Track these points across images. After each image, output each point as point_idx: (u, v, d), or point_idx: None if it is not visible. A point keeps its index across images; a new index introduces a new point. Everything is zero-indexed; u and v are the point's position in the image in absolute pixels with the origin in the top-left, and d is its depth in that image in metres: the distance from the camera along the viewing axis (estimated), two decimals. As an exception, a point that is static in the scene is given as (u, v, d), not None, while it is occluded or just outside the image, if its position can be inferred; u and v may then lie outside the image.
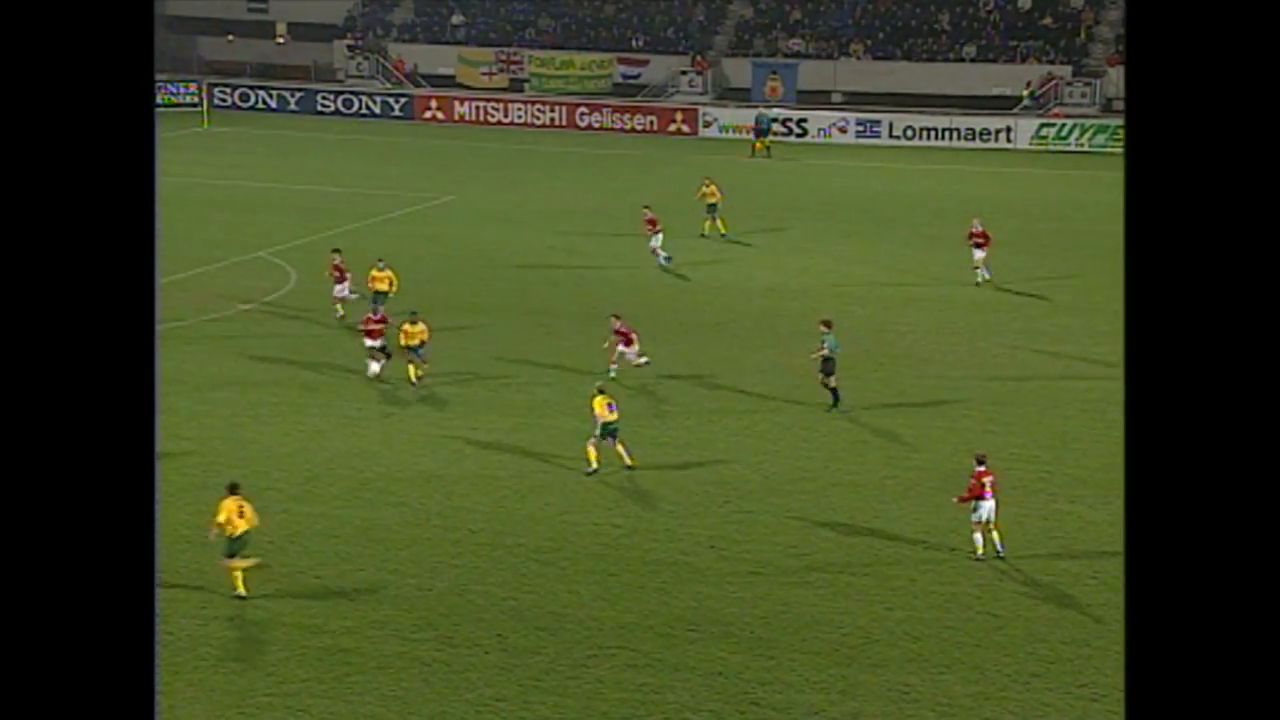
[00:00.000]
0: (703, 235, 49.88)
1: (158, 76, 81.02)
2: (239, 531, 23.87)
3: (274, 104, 77.44)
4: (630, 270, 45.95)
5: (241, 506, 24.04)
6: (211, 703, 20.77)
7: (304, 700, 20.88)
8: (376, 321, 34.67)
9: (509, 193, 57.15)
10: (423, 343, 34.46)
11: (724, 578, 24.82)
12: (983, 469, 25.58)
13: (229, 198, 56.41)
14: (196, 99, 73.91)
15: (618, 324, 34.45)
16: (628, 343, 34.30)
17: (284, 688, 21.20)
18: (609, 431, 29.16)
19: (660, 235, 45.86)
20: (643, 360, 34.42)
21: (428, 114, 76.40)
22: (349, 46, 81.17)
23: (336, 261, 39.43)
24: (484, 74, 79.73)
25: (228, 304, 41.08)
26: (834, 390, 32.88)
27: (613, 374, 34.15)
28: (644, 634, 22.80)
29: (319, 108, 77.24)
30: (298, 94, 77.79)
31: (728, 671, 21.74)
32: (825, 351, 32.83)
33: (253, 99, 77.60)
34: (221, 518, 23.93)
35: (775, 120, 70.84)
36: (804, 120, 72.44)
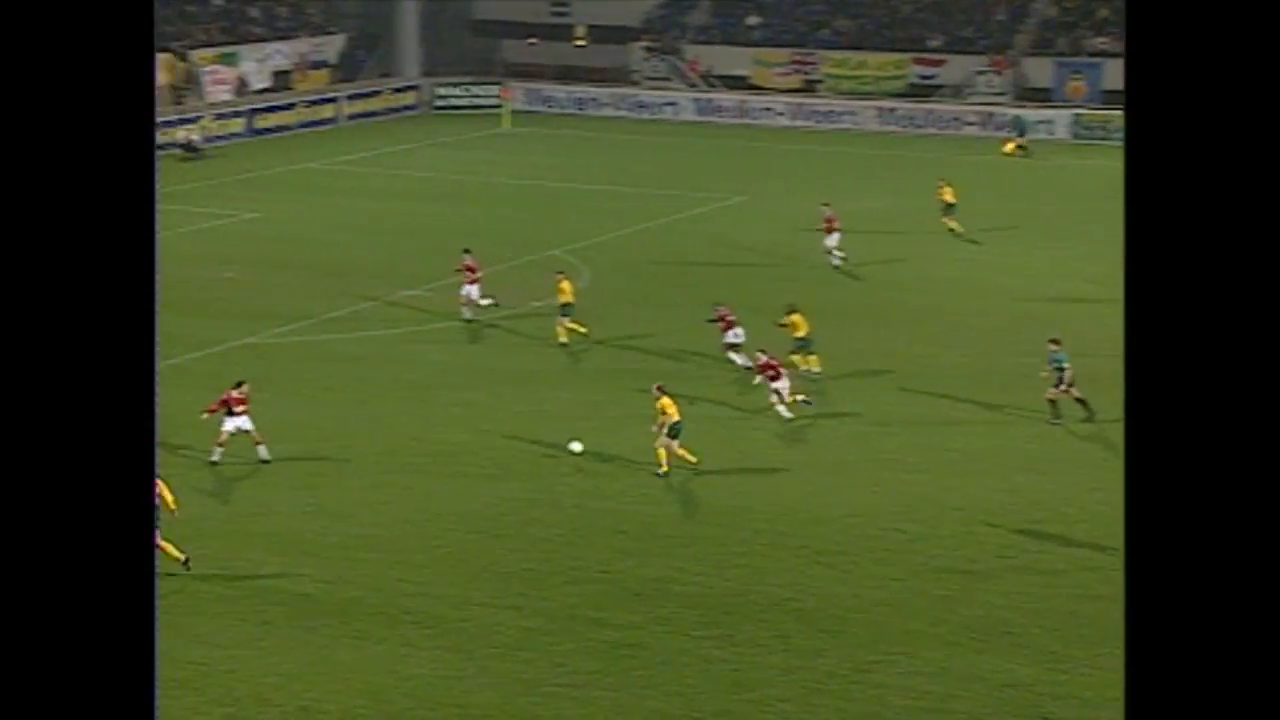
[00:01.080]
0: (951, 232, 49.40)
1: (462, 79, 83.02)
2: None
3: (571, 105, 78.83)
4: (922, 271, 45.37)
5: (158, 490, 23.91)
6: (502, 690, 21.22)
7: (591, 692, 21.18)
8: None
9: (800, 193, 57.02)
10: (807, 337, 34.40)
11: (1012, 587, 24.30)
12: None
13: (526, 197, 57.61)
14: (497, 101, 75.72)
15: (763, 358, 32.16)
16: (774, 377, 31.86)
17: (572, 679, 21.54)
18: (675, 432, 28.73)
19: (837, 234, 45.29)
20: (798, 399, 32.21)
21: (721, 115, 76.78)
22: (645, 48, 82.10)
23: (467, 261, 39.10)
24: (778, 75, 79.72)
25: (521, 301, 41.95)
26: (1081, 401, 31.95)
27: (788, 416, 31.78)
28: (929, 641, 22.48)
29: (615, 109, 78.35)
30: (595, 95, 79.03)
31: (1017, 683, 21.27)
32: (1057, 369, 31.99)
33: (552, 100, 79.14)
34: None
35: (1036, 122, 70.11)
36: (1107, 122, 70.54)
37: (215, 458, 29.26)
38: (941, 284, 44.11)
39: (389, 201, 56.26)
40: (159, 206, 6.52)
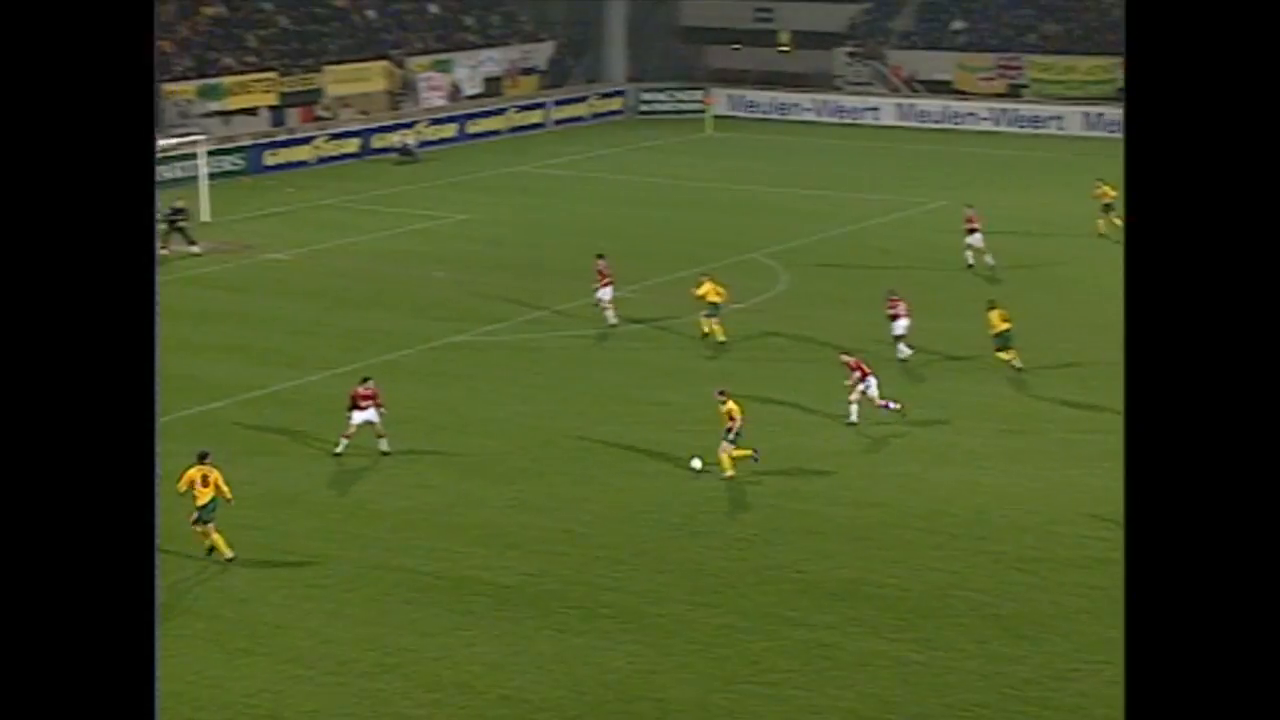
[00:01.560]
0: (1099, 235, 48.63)
1: (666, 85, 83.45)
2: (204, 500, 24.68)
3: (773, 110, 78.76)
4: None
5: (205, 474, 24.80)
6: (698, 685, 21.34)
7: (785, 690, 21.19)
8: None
9: (1001, 197, 56.20)
10: (1006, 332, 34.62)
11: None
12: None
13: (727, 200, 57.73)
14: (701, 106, 75.99)
15: (850, 359, 32.01)
16: (863, 377, 31.54)
17: (766, 677, 21.57)
18: (733, 437, 28.67)
19: (979, 235, 45.02)
20: (889, 405, 31.62)
21: (923, 120, 76.04)
22: (849, 54, 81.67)
23: (600, 266, 39.09)
24: (981, 80, 78.67)
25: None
26: None
27: (853, 419, 31.51)
28: (1129, 651, 22.02)
29: (816, 114, 78.08)
30: (797, 101, 78.88)
31: (1217, 696, 20.75)
32: None
33: (754, 105, 79.17)
34: (182, 485, 24.60)
35: None
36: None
37: (339, 450, 29.72)
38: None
39: (594, 204, 56.84)
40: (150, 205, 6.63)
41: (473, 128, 71.36)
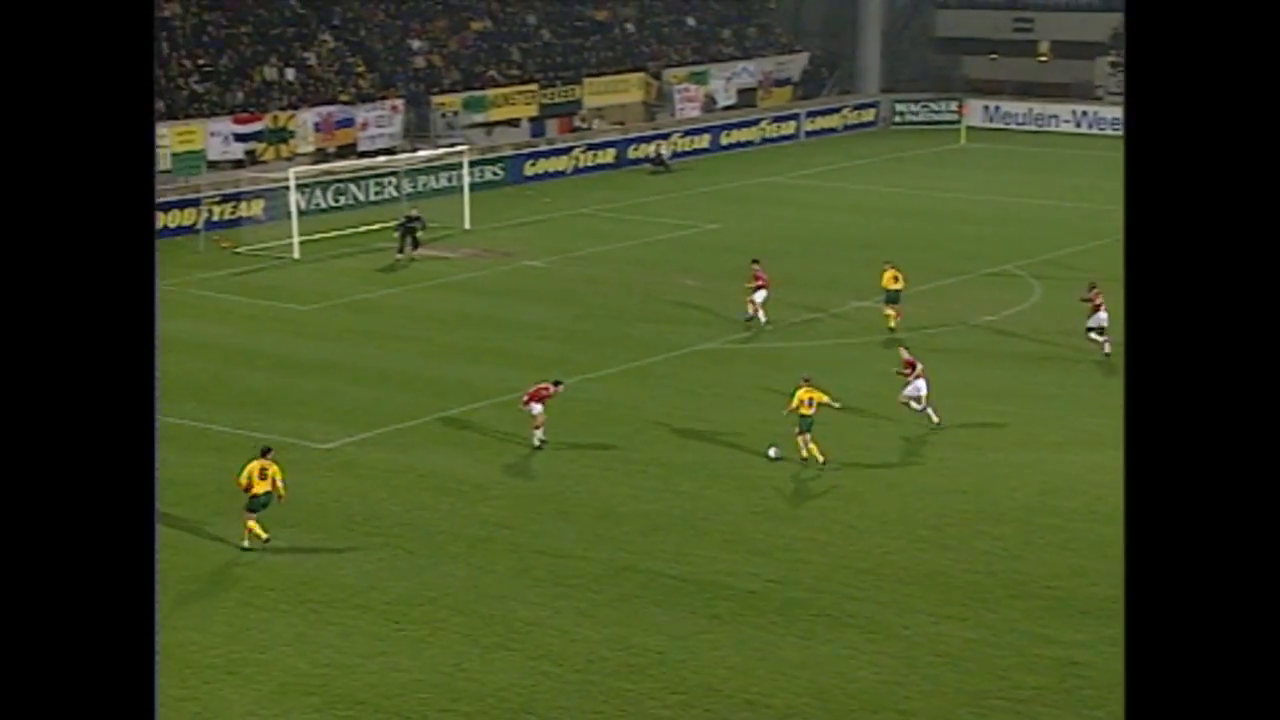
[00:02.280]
0: None
1: (920, 96, 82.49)
2: (259, 491, 25.79)
3: (1030, 121, 77.20)
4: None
5: (264, 468, 25.91)
6: (944, 699, 20.95)
7: (1035, 708, 20.68)
8: None
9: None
10: None
11: None
12: None
13: (981, 212, 56.73)
14: (955, 116, 74.89)
15: (906, 354, 32.75)
16: (914, 374, 32.07)
17: (1016, 694, 21.08)
18: (806, 426, 29.41)
19: None
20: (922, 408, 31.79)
21: (1186, 131, 73.82)
22: (1111, 63, 79.59)
23: (756, 270, 40.19)
24: (1248, 90, 76.00)
25: (972, 315, 41.33)
26: None
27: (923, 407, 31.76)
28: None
29: (1074, 125, 76.27)
30: (1054, 112, 77.17)
31: None
32: None
33: (1009, 116, 77.71)
34: (243, 478, 25.86)
35: None
36: None
37: (536, 442, 30.66)
38: None
39: (845, 215, 56.43)
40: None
41: (726, 138, 71.53)
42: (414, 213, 49.44)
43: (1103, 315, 36.19)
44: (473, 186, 56.22)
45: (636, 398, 33.35)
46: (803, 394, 29.67)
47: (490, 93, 67.06)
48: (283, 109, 59.85)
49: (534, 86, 68.59)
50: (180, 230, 51.59)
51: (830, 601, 23.93)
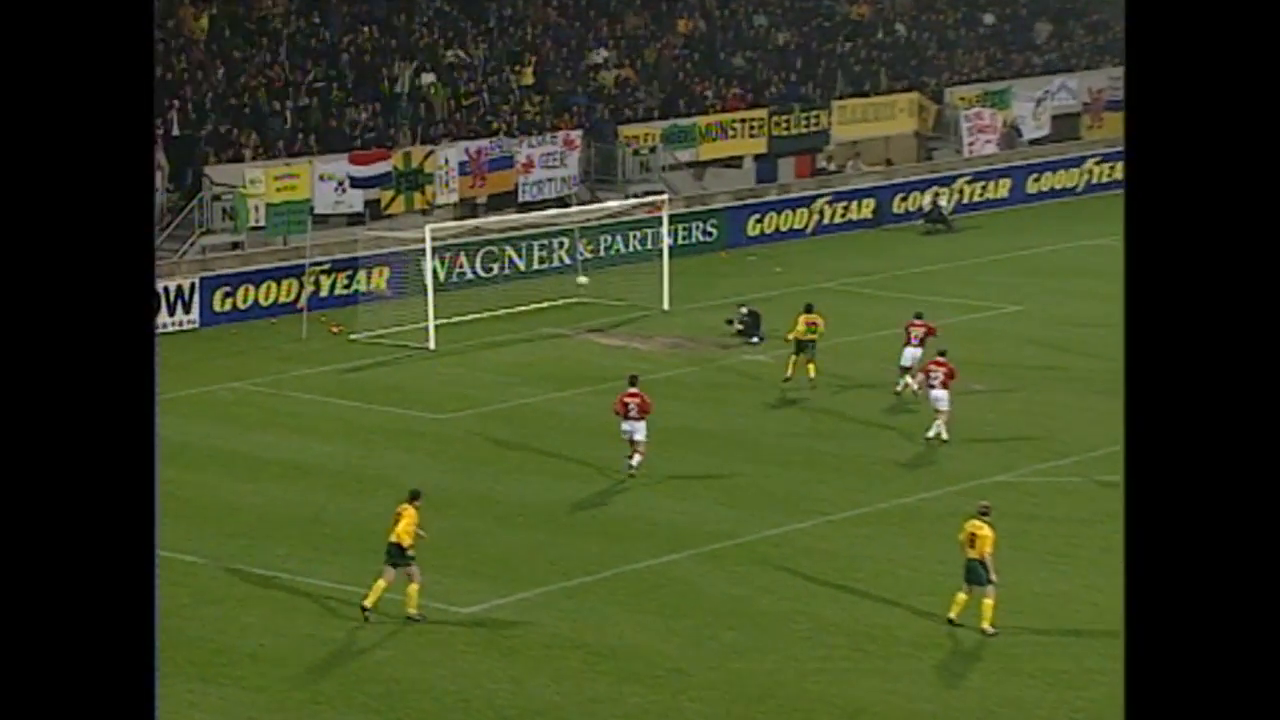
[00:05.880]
0: None
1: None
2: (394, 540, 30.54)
3: None
4: None
5: (399, 513, 30.77)
6: None
7: None
8: None
9: None
10: None
11: None
12: None
13: None
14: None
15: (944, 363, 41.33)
16: (943, 384, 40.97)
17: None
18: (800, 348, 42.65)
19: None
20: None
21: None
22: None
23: (911, 324, 45.57)
24: None
25: None
26: None
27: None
28: None
29: None
30: None
31: None
32: None
33: None
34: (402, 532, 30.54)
35: None
36: None
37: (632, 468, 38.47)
38: None
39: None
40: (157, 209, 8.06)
41: (1034, 185, 71.32)
42: (749, 309, 50.68)
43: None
44: (674, 251, 56.84)
45: (898, 552, 33.35)
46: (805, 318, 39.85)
47: (701, 121, 67.13)
48: (416, 143, 60.26)
49: (762, 112, 68.81)
50: (275, 309, 53.00)
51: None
